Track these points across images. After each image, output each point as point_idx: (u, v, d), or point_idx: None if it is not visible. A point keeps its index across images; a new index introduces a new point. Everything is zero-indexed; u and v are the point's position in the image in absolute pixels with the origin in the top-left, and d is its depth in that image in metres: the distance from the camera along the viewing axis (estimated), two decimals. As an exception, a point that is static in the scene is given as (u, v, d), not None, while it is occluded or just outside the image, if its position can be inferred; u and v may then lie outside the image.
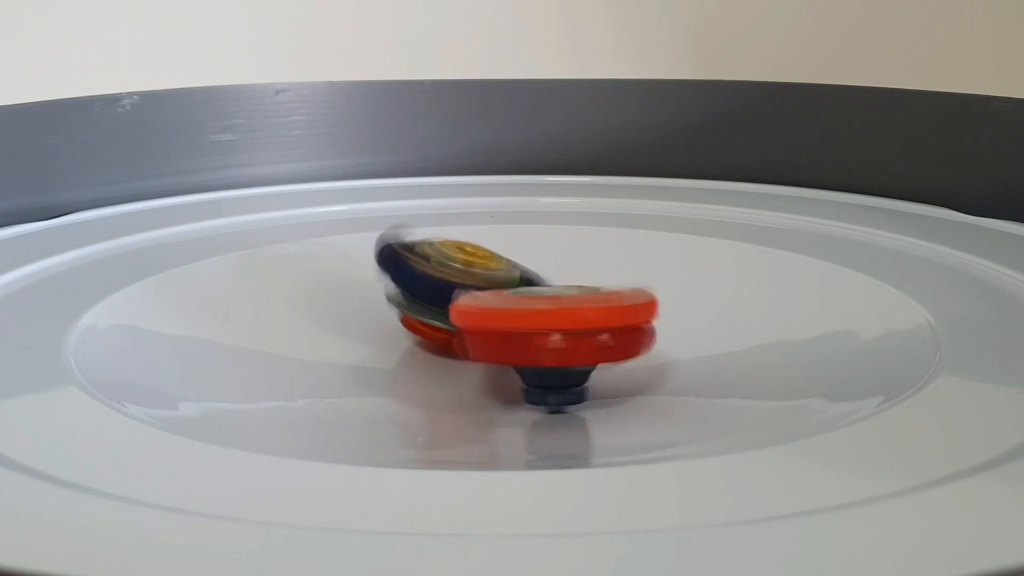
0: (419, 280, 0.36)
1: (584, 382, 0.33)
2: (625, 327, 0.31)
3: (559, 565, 0.21)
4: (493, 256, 0.37)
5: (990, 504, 0.23)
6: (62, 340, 0.34)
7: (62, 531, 0.22)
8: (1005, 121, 0.50)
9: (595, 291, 0.32)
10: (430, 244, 0.37)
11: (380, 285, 0.37)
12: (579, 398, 0.33)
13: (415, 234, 0.38)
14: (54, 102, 0.51)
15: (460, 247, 0.37)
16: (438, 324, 0.36)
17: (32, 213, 0.49)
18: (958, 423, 0.28)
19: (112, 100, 0.53)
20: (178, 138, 0.55)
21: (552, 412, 0.33)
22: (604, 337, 0.31)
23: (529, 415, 0.33)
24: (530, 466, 0.32)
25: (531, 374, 0.33)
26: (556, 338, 0.30)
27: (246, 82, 0.56)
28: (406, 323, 0.38)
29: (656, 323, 0.32)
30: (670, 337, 0.33)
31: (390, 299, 0.37)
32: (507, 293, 0.33)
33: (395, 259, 0.36)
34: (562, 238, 0.48)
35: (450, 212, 0.52)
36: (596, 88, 0.59)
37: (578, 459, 0.32)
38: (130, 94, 0.53)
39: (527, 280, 0.37)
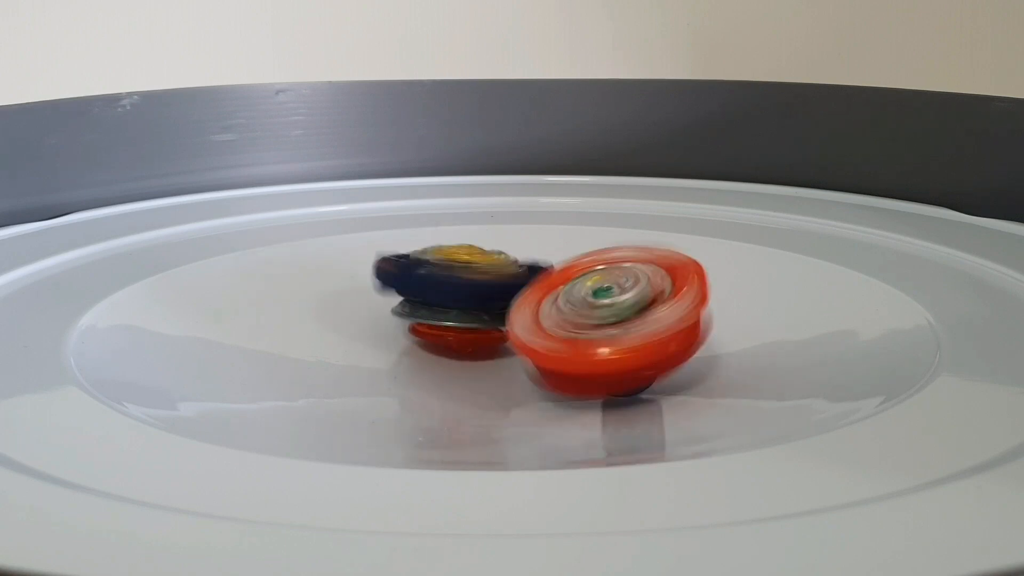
0: (425, 282, 0.36)
1: None
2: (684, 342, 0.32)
3: (559, 565, 0.21)
4: (487, 253, 0.37)
5: (990, 504, 0.23)
6: (62, 340, 0.34)
7: (62, 531, 0.22)
8: (1005, 121, 0.50)
9: (646, 292, 0.32)
10: (424, 252, 0.37)
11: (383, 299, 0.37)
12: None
13: (409, 245, 0.38)
14: (54, 102, 0.51)
15: (455, 252, 0.37)
16: (451, 324, 0.36)
17: (32, 213, 0.49)
18: (958, 423, 0.28)
19: (112, 100, 0.53)
20: (178, 138, 0.55)
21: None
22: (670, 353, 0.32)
23: (528, 416, 0.33)
24: (530, 466, 0.32)
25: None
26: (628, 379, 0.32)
27: (246, 82, 0.56)
28: (417, 332, 0.37)
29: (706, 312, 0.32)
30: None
31: (397, 313, 0.37)
32: (567, 308, 0.33)
33: (397, 268, 0.36)
34: (562, 238, 0.48)
35: (449, 212, 0.52)
36: (596, 88, 0.59)
37: (578, 459, 0.32)
38: (130, 94, 0.53)
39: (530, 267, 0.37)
